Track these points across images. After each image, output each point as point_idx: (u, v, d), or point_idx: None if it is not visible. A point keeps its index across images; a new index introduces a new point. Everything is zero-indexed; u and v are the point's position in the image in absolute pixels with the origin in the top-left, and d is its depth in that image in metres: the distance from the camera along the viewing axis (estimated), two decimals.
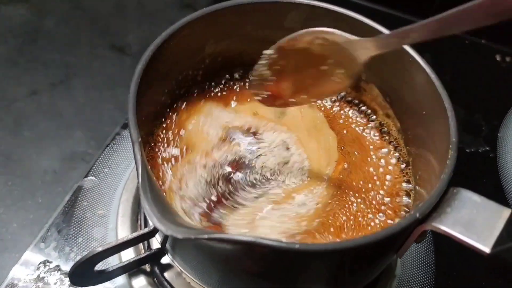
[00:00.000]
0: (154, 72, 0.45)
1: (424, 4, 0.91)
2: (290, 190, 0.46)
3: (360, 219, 0.45)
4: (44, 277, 0.52)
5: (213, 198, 0.45)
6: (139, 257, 0.49)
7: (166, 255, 0.49)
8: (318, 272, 0.39)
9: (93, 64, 0.80)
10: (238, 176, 0.47)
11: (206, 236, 0.31)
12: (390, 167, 0.50)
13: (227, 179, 0.47)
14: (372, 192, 0.48)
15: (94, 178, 0.61)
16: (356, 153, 0.51)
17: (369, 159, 0.51)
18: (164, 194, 0.45)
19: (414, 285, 0.55)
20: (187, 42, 0.48)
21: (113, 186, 0.60)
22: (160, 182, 0.46)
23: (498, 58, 0.85)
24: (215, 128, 0.51)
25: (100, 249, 0.42)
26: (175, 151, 0.49)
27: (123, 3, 0.91)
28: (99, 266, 0.45)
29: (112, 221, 0.57)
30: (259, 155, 0.49)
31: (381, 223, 0.45)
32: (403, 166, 0.50)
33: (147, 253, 0.50)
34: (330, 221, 0.45)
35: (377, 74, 0.52)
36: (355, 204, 0.46)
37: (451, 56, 0.83)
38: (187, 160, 0.48)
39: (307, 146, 0.51)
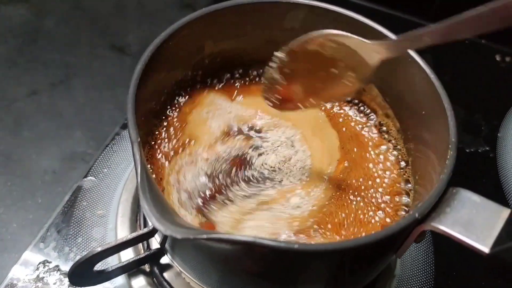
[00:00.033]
0: (154, 72, 0.45)
1: (424, 4, 0.91)
2: (284, 191, 0.46)
3: (359, 217, 0.45)
4: (43, 277, 0.52)
5: (208, 192, 0.45)
6: (138, 257, 0.49)
7: (166, 255, 0.49)
8: (318, 272, 0.39)
9: (93, 64, 0.80)
10: (237, 171, 0.47)
11: (205, 236, 0.31)
12: (389, 167, 0.50)
13: (226, 173, 0.47)
14: (372, 190, 0.47)
15: (94, 178, 0.61)
16: (355, 149, 0.51)
17: (368, 156, 0.51)
18: (163, 188, 0.45)
19: (413, 285, 0.55)
20: (187, 42, 0.48)
21: (112, 186, 0.60)
22: (160, 177, 0.46)
23: (498, 58, 0.85)
24: (218, 123, 0.51)
25: (99, 249, 0.42)
26: (176, 146, 0.49)
27: (123, 3, 0.91)
28: (98, 266, 0.45)
29: (111, 221, 0.57)
30: (261, 152, 0.49)
31: (381, 222, 0.45)
32: (402, 166, 0.50)
33: (146, 253, 0.50)
34: (327, 220, 0.45)
35: (376, 74, 0.51)
36: (354, 203, 0.46)
37: (451, 56, 0.83)
38: (187, 153, 0.48)
39: (311, 144, 0.51)
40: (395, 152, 0.51)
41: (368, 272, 0.44)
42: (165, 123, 0.51)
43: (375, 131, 0.53)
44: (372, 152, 0.51)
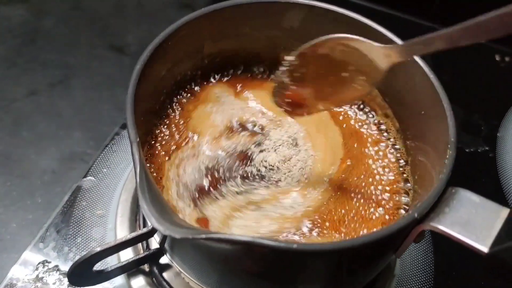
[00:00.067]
0: (153, 73, 0.45)
1: (424, 4, 0.91)
2: (278, 192, 0.46)
3: (358, 216, 0.45)
4: (43, 277, 0.52)
5: (206, 184, 0.45)
6: (138, 257, 0.49)
7: (165, 255, 0.49)
8: (317, 272, 0.39)
9: (92, 64, 0.80)
10: (237, 166, 0.47)
11: (203, 236, 0.31)
12: (388, 166, 0.50)
13: (226, 168, 0.47)
14: (371, 188, 0.48)
15: (93, 178, 0.61)
16: (355, 147, 0.51)
17: (367, 156, 0.51)
18: (162, 186, 0.46)
19: (413, 285, 0.55)
20: (186, 42, 0.48)
21: (112, 186, 0.60)
22: (160, 176, 0.46)
23: (497, 58, 0.85)
24: (221, 118, 0.52)
25: (98, 249, 0.42)
26: (179, 141, 0.49)
27: (122, 3, 0.91)
28: (97, 266, 0.45)
29: (111, 221, 0.57)
30: (263, 149, 0.49)
31: (380, 220, 0.45)
32: (401, 165, 0.50)
33: (146, 253, 0.50)
34: (324, 218, 0.45)
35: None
36: (353, 202, 0.46)
37: (450, 56, 0.83)
38: (190, 147, 0.49)
39: (315, 141, 0.51)
40: (394, 152, 0.51)
41: (368, 271, 0.44)
42: (166, 121, 0.51)
43: (374, 130, 0.53)
44: (371, 152, 0.51)
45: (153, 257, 0.50)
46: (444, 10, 0.91)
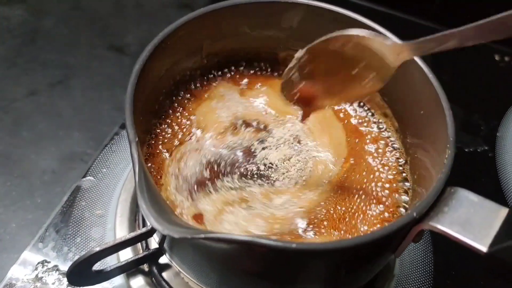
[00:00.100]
0: (152, 72, 0.45)
1: (424, 4, 0.91)
2: (271, 191, 0.46)
3: (356, 216, 0.45)
4: (42, 277, 0.52)
5: (206, 176, 0.46)
6: (137, 257, 0.49)
7: (164, 255, 0.49)
8: (315, 272, 0.39)
9: (92, 64, 0.80)
10: (239, 162, 0.48)
11: (202, 235, 0.31)
12: (387, 166, 0.50)
13: (228, 163, 0.47)
14: (371, 187, 0.48)
15: (93, 178, 0.61)
16: (356, 146, 0.51)
17: (366, 155, 0.51)
18: (161, 184, 0.46)
19: (412, 285, 0.55)
20: (185, 42, 0.48)
21: (111, 186, 0.60)
22: (159, 175, 0.47)
23: (497, 57, 0.85)
24: (224, 115, 0.52)
25: (98, 249, 0.42)
26: (180, 137, 0.50)
27: (122, 3, 0.91)
28: (97, 266, 0.45)
29: (110, 221, 0.57)
30: (265, 146, 0.49)
31: (379, 219, 0.45)
32: (401, 164, 0.50)
33: (145, 253, 0.50)
34: (320, 217, 0.45)
35: None
36: (352, 201, 0.46)
37: (450, 56, 0.83)
38: (194, 141, 0.49)
39: (319, 141, 0.51)
40: (394, 151, 0.51)
41: (367, 271, 0.44)
42: (166, 120, 0.51)
43: (374, 130, 0.53)
44: (371, 151, 0.51)
45: (152, 257, 0.50)
46: (444, 10, 0.91)
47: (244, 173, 0.47)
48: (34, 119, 0.71)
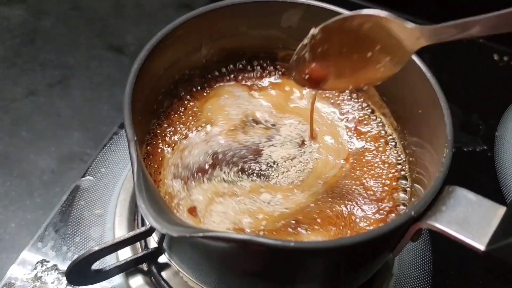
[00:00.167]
0: (151, 72, 0.45)
1: (424, 4, 0.91)
2: (262, 186, 0.46)
3: (353, 215, 0.45)
4: (41, 277, 0.52)
5: (207, 166, 0.47)
6: (136, 256, 0.49)
7: (163, 254, 0.49)
8: (314, 271, 0.39)
9: (91, 65, 0.80)
10: (246, 159, 0.48)
11: (201, 234, 0.31)
12: (386, 164, 0.50)
13: (238, 157, 0.48)
14: (369, 186, 0.48)
15: (92, 177, 0.61)
16: (355, 144, 0.51)
17: (365, 155, 0.51)
18: (160, 179, 0.46)
19: (411, 284, 0.55)
20: (184, 41, 0.48)
21: (110, 186, 0.60)
22: (159, 171, 0.47)
23: (496, 57, 0.85)
24: (226, 114, 0.52)
25: (96, 248, 0.42)
26: (179, 135, 0.50)
27: (122, 3, 0.91)
28: (96, 265, 0.45)
29: (109, 221, 0.57)
30: (272, 144, 0.50)
31: (377, 218, 0.45)
32: (399, 163, 0.50)
33: (144, 252, 0.50)
34: (312, 217, 0.45)
35: None
36: (349, 201, 0.46)
37: (449, 55, 0.83)
38: (202, 133, 0.50)
39: (322, 141, 0.51)
40: (392, 150, 0.51)
41: (364, 270, 0.44)
42: (168, 119, 0.52)
43: (373, 129, 0.53)
44: (370, 151, 0.51)
45: (151, 256, 0.50)
46: (444, 10, 0.91)
47: (245, 170, 0.47)
48: (33, 119, 0.71)
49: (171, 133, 0.50)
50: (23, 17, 0.86)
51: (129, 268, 0.50)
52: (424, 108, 0.45)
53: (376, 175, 0.49)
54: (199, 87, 0.55)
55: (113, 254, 0.50)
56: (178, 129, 0.51)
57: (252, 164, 0.48)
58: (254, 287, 0.44)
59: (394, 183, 0.48)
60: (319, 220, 0.44)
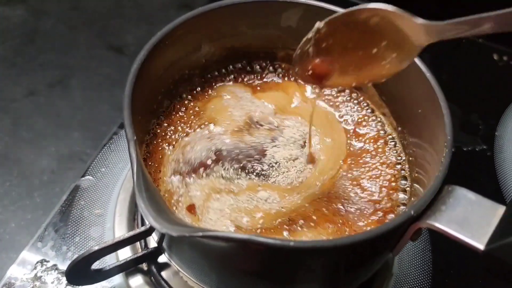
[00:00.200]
0: (150, 72, 0.45)
1: (424, 4, 0.91)
2: (260, 185, 0.46)
3: (351, 215, 0.45)
4: (41, 276, 0.52)
5: (209, 161, 0.47)
6: (136, 256, 0.49)
7: (163, 254, 0.49)
8: (313, 270, 0.39)
9: (91, 65, 0.80)
10: (251, 158, 0.48)
11: (200, 234, 0.31)
12: (385, 164, 0.50)
13: (237, 153, 0.48)
14: (369, 185, 0.48)
15: (92, 177, 0.61)
16: (355, 144, 0.51)
17: (365, 155, 0.51)
18: (159, 178, 0.46)
19: (411, 284, 0.55)
20: (183, 41, 0.49)
21: (110, 186, 0.60)
22: (159, 169, 0.47)
23: (495, 57, 0.85)
24: (226, 114, 0.52)
25: (96, 247, 0.43)
26: (179, 134, 0.51)
27: (122, 3, 0.91)
28: (96, 265, 0.45)
29: (109, 220, 0.57)
30: (275, 145, 0.50)
31: (377, 218, 0.45)
32: (399, 163, 0.50)
33: (144, 252, 0.50)
34: (308, 217, 0.45)
35: None
36: (348, 201, 0.46)
37: (448, 55, 0.83)
38: (204, 131, 0.51)
39: (323, 143, 0.51)
40: (392, 150, 0.51)
41: (365, 270, 0.44)
42: (168, 119, 0.52)
43: (373, 129, 0.53)
44: (369, 150, 0.51)
45: (151, 256, 0.50)
46: (444, 10, 0.91)
47: (246, 169, 0.47)
48: (33, 119, 0.71)
49: (172, 132, 0.50)
50: (23, 17, 0.86)
51: (129, 268, 0.50)
52: (424, 107, 0.45)
53: (375, 175, 0.49)
54: (199, 87, 0.55)
55: (113, 254, 0.50)
56: (179, 128, 0.51)
57: (255, 164, 0.48)
58: (254, 286, 0.44)
59: (393, 184, 0.48)
60: (314, 218, 0.44)
